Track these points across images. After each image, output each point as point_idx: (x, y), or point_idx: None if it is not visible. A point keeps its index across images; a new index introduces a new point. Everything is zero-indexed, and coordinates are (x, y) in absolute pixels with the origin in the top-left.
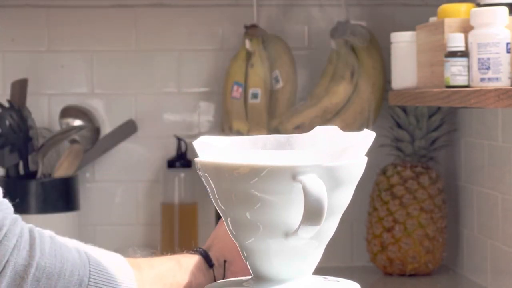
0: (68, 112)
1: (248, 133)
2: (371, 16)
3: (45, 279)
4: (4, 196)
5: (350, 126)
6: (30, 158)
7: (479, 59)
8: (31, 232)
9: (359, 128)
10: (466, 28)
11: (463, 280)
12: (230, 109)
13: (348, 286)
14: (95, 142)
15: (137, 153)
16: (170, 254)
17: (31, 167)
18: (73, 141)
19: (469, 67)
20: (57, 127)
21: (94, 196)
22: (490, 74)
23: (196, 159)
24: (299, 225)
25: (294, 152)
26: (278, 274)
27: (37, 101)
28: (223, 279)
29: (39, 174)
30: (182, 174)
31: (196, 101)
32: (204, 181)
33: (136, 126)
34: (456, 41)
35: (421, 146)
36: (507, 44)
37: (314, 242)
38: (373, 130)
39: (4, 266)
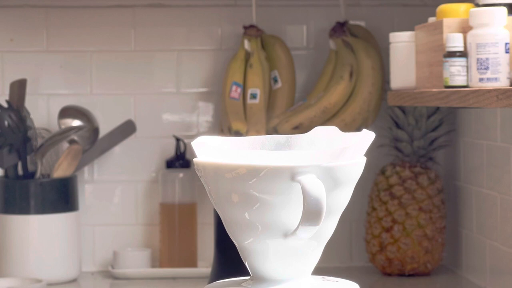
0: (67, 112)
1: (247, 133)
2: (370, 16)
3: None
4: (4, 197)
5: (349, 126)
6: (29, 158)
7: (478, 59)
8: None
9: (358, 129)
10: (465, 28)
11: (462, 281)
12: (228, 109)
13: (347, 286)
14: (94, 142)
15: (136, 153)
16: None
17: (30, 167)
18: (72, 142)
19: (468, 67)
20: (56, 128)
21: (93, 196)
22: (489, 74)
23: (195, 160)
24: (298, 226)
25: (293, 152)
26: (277, 274)
27: (36, 101)
28: None
29: (38, 175)
30: (181, 174)
31: (195, 101)
32: (202, 182)
33: (135, 126)
34: (455, 41)
35: (420, 146)
36: (506, 44)
37: (313, 242)
38: (372, 130)
39: None
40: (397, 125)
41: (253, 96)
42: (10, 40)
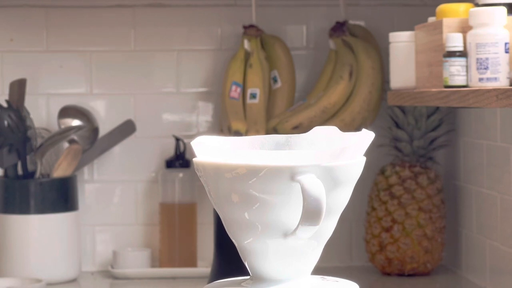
0: (66, 112)
1: (247, 133)
2: (369, 16)
3: None
4: (3, 196)
5: (348, 126)
6: (28, 158)
7: (477, 59)
8: None
9: (358, 128)
10: (465, 28)
11: (461, 280)
12: (228, 109)
13: (347, 286)
14: (94, 142)
15: (136, 153)
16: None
17: (30, 167)
18: (72, 141)
19: (467, 67)
20: (55, 127)
21: (93, 196)
22: (488, 74)
23: (194, 159)
24: (298, 225)
25: (293, 152)
26: (277, 274)
27: (35, 101)
28: None
29: (37, 174)
30: (180, 174)
31: (194, 101)
32: (202, 181)
33: (134, 126)
34: (454, 41)
35: (419, 146)
36: (506, 44)
37: (313, 242)
38: (371, 130)
39: None
40: (397, 125)
41: (253, 96)
42: (10, 40)
